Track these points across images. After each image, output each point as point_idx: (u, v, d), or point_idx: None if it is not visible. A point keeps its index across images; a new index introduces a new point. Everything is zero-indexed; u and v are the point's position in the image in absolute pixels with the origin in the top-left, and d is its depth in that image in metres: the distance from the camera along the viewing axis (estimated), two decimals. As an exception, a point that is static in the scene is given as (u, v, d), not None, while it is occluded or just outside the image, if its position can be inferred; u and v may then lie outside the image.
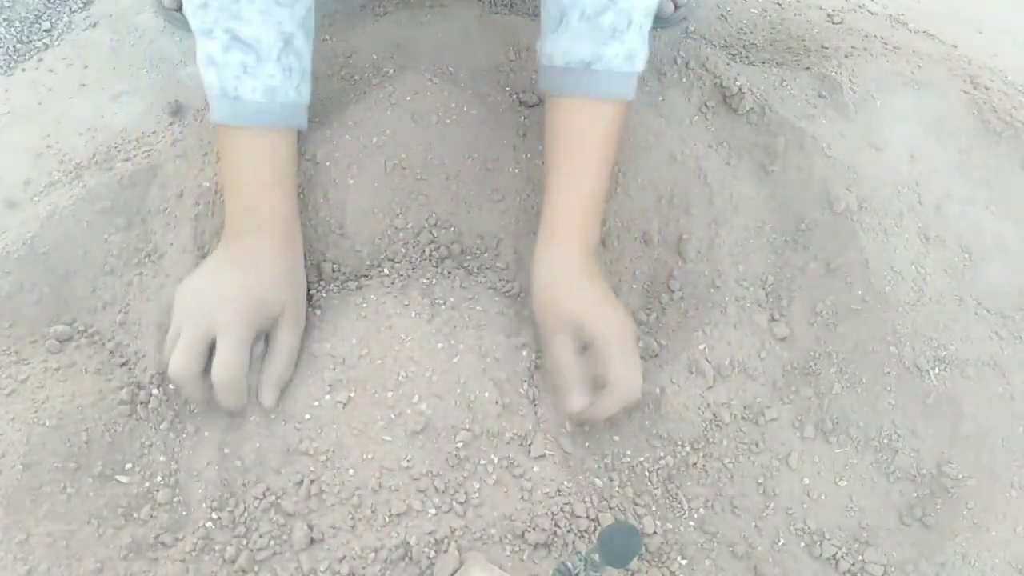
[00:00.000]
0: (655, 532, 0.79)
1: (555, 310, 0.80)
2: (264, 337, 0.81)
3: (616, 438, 0.83)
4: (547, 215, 0.83)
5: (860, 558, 0.79)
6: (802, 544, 0.80)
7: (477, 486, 0.77)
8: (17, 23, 1.15)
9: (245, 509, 0.76)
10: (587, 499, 0.79)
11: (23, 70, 1.11)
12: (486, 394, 0.80)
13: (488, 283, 0.91)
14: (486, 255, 0.92)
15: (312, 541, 0.74)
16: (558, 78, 0.81)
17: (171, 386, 0.83)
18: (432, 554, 0.73)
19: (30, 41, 1.14)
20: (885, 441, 0.84)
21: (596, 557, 0.61)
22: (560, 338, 0.79)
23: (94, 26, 1.16)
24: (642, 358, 0.89)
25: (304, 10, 0.81)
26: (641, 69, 0.81)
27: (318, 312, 0.86)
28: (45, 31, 1.15)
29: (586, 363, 0.80)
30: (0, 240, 0.89)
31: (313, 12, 0.83)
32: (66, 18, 1.17)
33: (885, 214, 0.94)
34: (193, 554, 0.74)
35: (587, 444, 0.83)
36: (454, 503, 0.76)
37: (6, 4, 1.17)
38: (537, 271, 0.82)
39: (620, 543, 0.57)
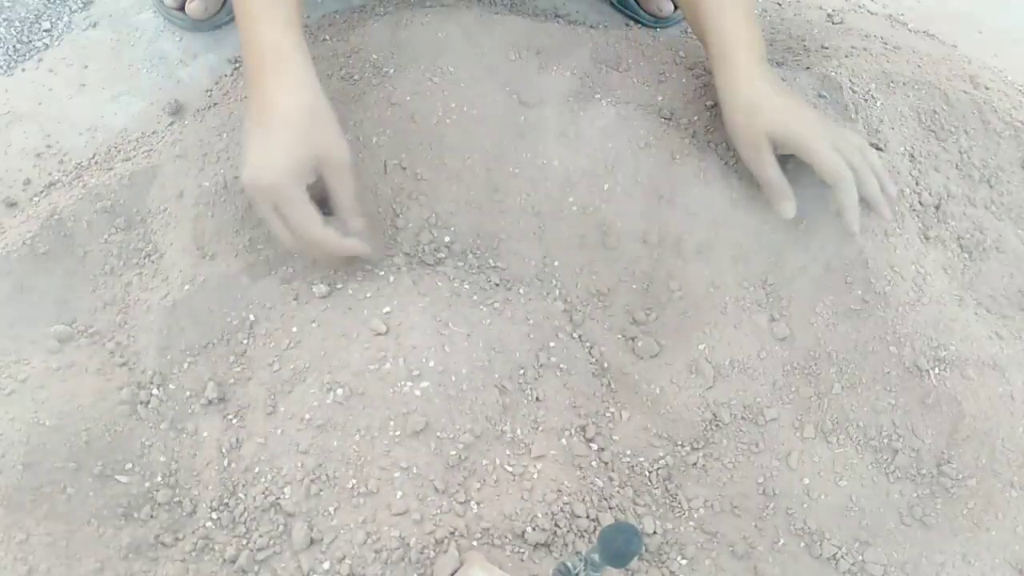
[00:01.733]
0: (655, 532, 0.79)
1: (748, 132, 0.85)
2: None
3: (616, 438, 0.83)
4: (715, 42, 0.88)
5: (860, 558, 0.79)
6: (802, 544, 0.80)
7: (477, 486, 0.77)
8: (17, 23, 1.15)
9: (245, 509, 0.76)
10: (587, 499, 0.79)
11: (23, 70, 1.11)
12: (487, 394, 0.80)
13: (489, 283, 0.90)
14: (486, 255, 0.92)
15: (312, 541, 0.74)
16: None
17: (171, 386, 0.83)
18: (432, 554, 0.73)
19: (30, 41, 1.14)
20: (885, 441, 0.84)
21: (596, 557, 0.61)
22: (760, 156, 0.85)
23: (94, 26, 1.16)
24: (641, 357, 0.90)
25: None
26: None
27: (318, 312, 0.86)
28: (45, 31, 1.15)
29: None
30: (0, 240, 0.89)
31: None
32: (66, 18, 1.17)
33: (885, 214, 0.94)
34: (193, 554, 0.74)
35: (590, 444, 0.83)
36: (454, 503, 0.76)
37: (6, 4, 1.17)
38: (723, 98, 0.88)
39: (620, 543, 0.57)
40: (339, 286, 0.88)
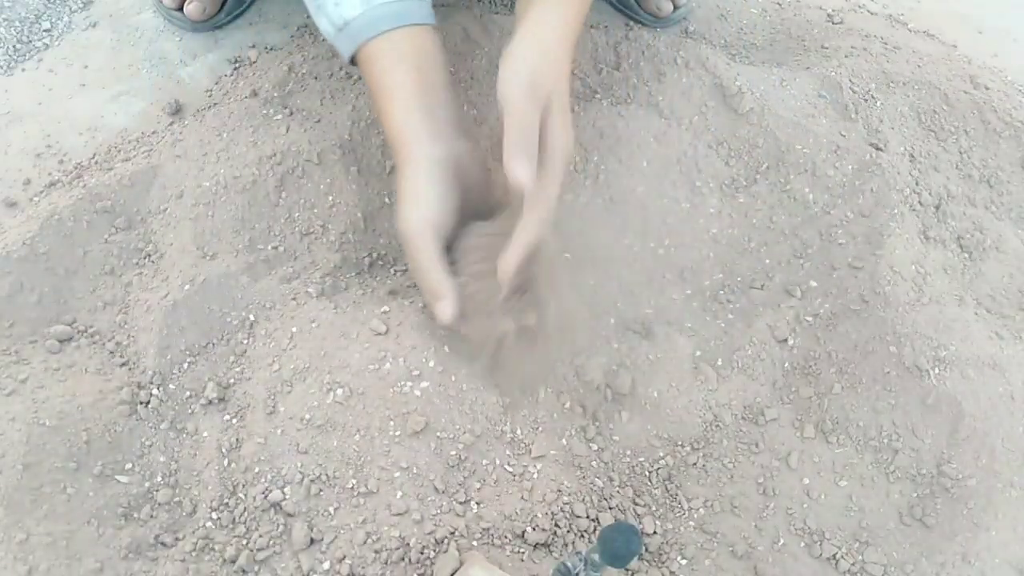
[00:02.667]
0: (655, 532, 0.79)
1: (539, 82, 0.73)
2: None
3: (616, 438, 0.83)
4: (531, 13, 0.78)
5: (860, 558, 0.79)
6: (802, 544, 0.80)
7: (477, 486, 0.77)
8: (17, 23, 1.15)
9: (245, 509, 0.76)
10: (587, 499, 0.79)
11: (23, 70, 1.11)
12: (487, 394, 0.80)
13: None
14: (486, 255, 0.92)
15: (312, 541, 0.74)
16: None
17: (171, 386, 0.83)
18: (432, 554, 0.73)
19: (30, 41, 1.14)
20: (885, 441, 0.84)
21: (596, 557, 0.61)
22: (534, 110, 0.73)
23: (94, 26, 1.16)
24: (642, 358, 0.90)
25: None
26: None
27: (318, 312, 0.86)
28: (45, 31, 1.15)
29: None
30: (0, 240, 0.89)
31: None
32: (66, 18, 1.17)
33: (885, 214, 0.94)
34: (193, 554, 0.74)
35: (590, 444, 0.83)
36: (454, 503, 0.76)
37: (6, 4, 1.17)
38: (525, 36, 0.76)
39: (620, 543, 0.57)
40: (339, 286, 0.88)
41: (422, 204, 0.77)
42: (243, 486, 0.77)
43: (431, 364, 0.80)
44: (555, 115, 0.74)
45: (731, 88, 1.00)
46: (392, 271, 0.90)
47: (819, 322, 0.90)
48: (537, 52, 0.75)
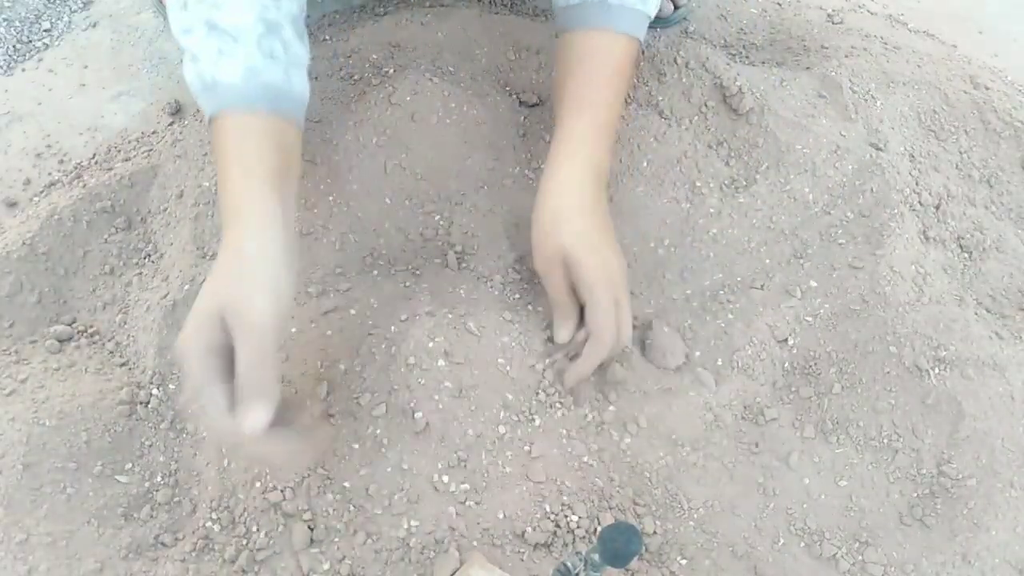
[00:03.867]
0: (655, 532, 0.79)
1: (547, 244, 0.79)
2: None
3: (615, 436, 0.83)
4: (555, 144, 0.81)
5: (860, 558, 0.79)
6: (802, 544, 0.80)
7: (477, 486, 0.77)
8: (17, 23, 1.15)
9: (245, 509, 0.76)
10: (587, 499, 0.79)
11: (23, 70, 1.11)
12: (487, 395, 0.80)
13: (490, 284, 0.90)
14: (487, 256, 0.92)
15: (312, 541, 0.74)
16: (574, 13, 0.82)
17: (171, 386, 0.83)
18: (432, 554, 0.73)
19: (30, 41, 1.14)
20: (885, 441, 0.84)
21: (596, 557, 0.61)
22: (552, 272, 0.80)
23: (94, 26, 1.16)
24: (644, 359, 0.90)
25: (295, 7, 0.76)
26: (653, 14, 0.83)
27: (317, 312, 0.86)
28: (45, 31, 1.15)
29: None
30: (0, 240, 0.89)
31: (303, 16, 0.78)
32: (66, 18, 1.17)
33: (885, 214, 0.94)
34: (193, 554, 0.74)
35: (590, 444, 0.83)
36: (454, 503, 0.76)
37: (6, 4, 1.17)
38: (539, 200, 0.81)
39: (620, 543, 0.57)
40: (340, 286, 0.88)
41: (283, 295, 0.68)
42: (243, 486, 0.77)
43: (431, 365, 0.80)
44: (579, 257, 0.78)
45: (731, 88, 1.00)
46: (392, 271, 0.90)
47: (819, 322, 0.90)
48: (549, 212, 0.80)
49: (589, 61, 0.81)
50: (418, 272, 0.90)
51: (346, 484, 0.76)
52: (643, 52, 1.03)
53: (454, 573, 0.71)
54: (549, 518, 0.77)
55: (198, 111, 1.05)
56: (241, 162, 0.71)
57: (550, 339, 0.84)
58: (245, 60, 0.71)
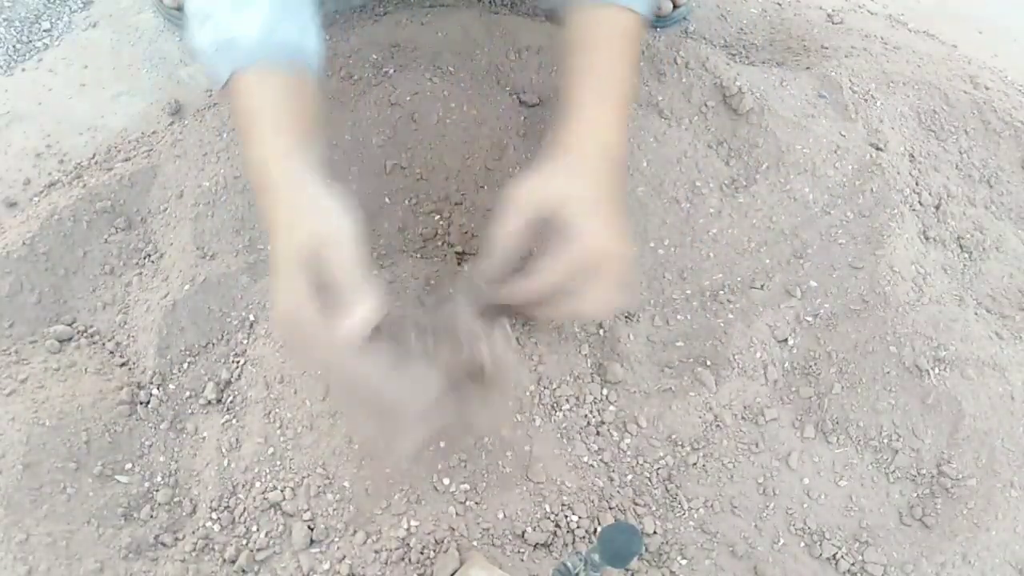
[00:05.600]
0: (655, 532, 0.79)
1: (533, 190, 0.66)
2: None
3: (615, 436, 0.83)
4: (567, 126, 0.71)
5: (860, 558, 0.79)
6: (802, 544, 0.80)
7: (477, 486, 0.77)
8: (17, 23, 1.15)
9: (245, 509, 0.76)
10: (587, 499, 0.79)
11: (23, 70, 1.11)
12: (487, 395, 0.80)
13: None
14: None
15: (312, 541, 0.74)
16: None
17: (171, 386, 0.83)
18: (432, 554, 0.73)
19: (30, 41, 1.14)
20: (885, 441, 0.84)
21: (596, 557, 0.61)
22: (515, 214, 0.65)
23: (94, 26, 1.16)
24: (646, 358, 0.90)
25: None
26: None
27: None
28: (45, 31, 1.15)
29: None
30: (0, 240, 0.89)
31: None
32: (66, 18, 1.17)
33: (885, 214, 0.94)
34: (193, 554, 0.74)
35: (590, 444, 0.83)
36: (454, 503, 0.76)
37: (6, 4, 1.17)
38: (543, 169, 0.68)
39: (620, 543, 0.57)
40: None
41: (351, 217, 0.65)
42: (243, 486, 0.77)
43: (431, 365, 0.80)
44: (575, 218, 0.64)
45: (731, 88, 1.00)
46: (392, 271, 0.90)
47: (819, 322, 0.90)
48: (544, 175, 0.67)
49: (600, 39, 0.76)
50: (416, 271, 0.90)
51: (346, 484, 0.76)
52: (644, 52, 1.03)
53: (454, 573, 0.71)
54: (549, 518, 0.77)
55: (198, 111, 1.05)
56: (270, 120, 0.69)
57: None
58: (261, 14, 0.70)
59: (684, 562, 0.77)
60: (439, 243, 0.92)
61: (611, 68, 0.74)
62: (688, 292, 0.92)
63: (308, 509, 0.75)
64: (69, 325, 0.86)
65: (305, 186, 0.67)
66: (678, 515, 0.80)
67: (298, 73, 0.71)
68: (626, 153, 0.77)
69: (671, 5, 1.19)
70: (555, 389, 0.83)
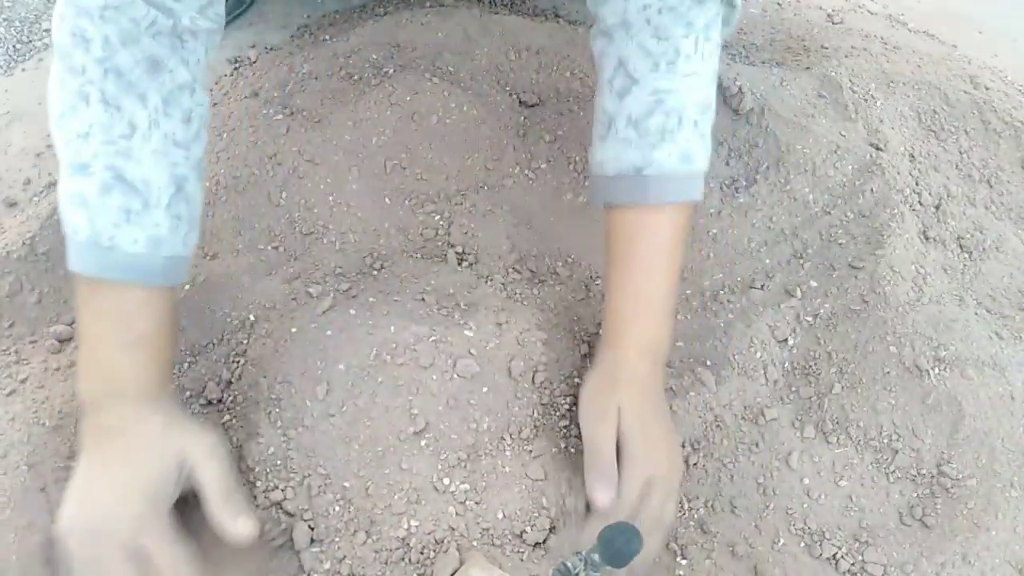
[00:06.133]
0: (655, 532, 0.79)
1: (599, 402, 0.76)
2: None
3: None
4: (604, 327, 0.78)
5: (860, 558, 0.79)
6: (802, 544, 0.80)
7: (477, 486, 0.77)
8: (17, 23, 1.15)
9: (245, 509, 0.76)
10: (587, 499, 0.79)
11: (23, 70, 1.11)
12: (487, 395, 0.80)
13: (490, 283, 0.90)
14: (487, 256, 0.92)
15: (312, 541, 0.74)
16: (611, 187, 0.76)
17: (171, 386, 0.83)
18: (432, 554, 0.73)
19: (30, 41, 1.14)
20: (885, 441, 0.84)
21: (596, 557, 0.61)
22: (604, 427, 0.74)
23: (94, 26, 1.16)
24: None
25: (201, 150, 0.72)
26: (703, 168, 0.76)
27: (318, 313, 0.86)
28: (45, 31, 1.15)
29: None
30: (0, 240, 0.89)
31: (204, 153, 0.73)
32: (66, 18, 1.17)
33: (885, 214, 0.95)
34: (193, 554, 0.74)
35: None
36: (454, 503, 0.76)
37: (6, 4, 1.17)
38: (587, 379, 0.78)
39: (620, 543, 0.58)
40: (340, 286, 0.88)
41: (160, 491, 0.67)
42: (244, 486, 0.77)
43: (432, 365, 0.80)
44: (628, 430, 0.74)
45: (731, 88, 1.00)
46: (392, 271, 0.90)
47: (819, 322, 0.90)
48: (598, 379, 0.78)
49: (635, 241, 0.75)
50: (416, 271, 0.90)
51: (346, 484, 0.76)
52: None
53: (454, 573, 0.71)
54: (549, 518, 0.77)
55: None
56: (126, 333, 0.68)
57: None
58: (152, 229, 0.67)
59: (684, 562, 0.77)
60: (439, 243, 0.92)
61: (644, 273, 0.76)
62: (688, 292, 0.92)
63: (308, 509, 0.75)
64: (69, 325, 0.86)
65: (162, 415, 0.69)
66: (678, 515, 0.80)
67: (172, 284, 0.71)
68: (667, 349, 0.80)
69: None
70: (554, 388, 0.83)
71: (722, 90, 1.00)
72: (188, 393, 0.83)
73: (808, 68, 1.09)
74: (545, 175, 0.94)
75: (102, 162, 0.65)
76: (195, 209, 0.72)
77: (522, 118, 0.99)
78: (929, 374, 0.85)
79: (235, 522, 0.68)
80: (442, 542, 0.74)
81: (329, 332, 0.83)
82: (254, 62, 1.11)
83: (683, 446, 0.84)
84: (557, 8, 1.21)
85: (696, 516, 0.80)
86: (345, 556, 0.73)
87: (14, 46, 1.13)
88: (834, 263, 0.93)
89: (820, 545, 0.79)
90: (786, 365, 0.89)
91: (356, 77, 1.02)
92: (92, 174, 0.65)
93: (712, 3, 0.73)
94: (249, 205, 0.91)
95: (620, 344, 0.77)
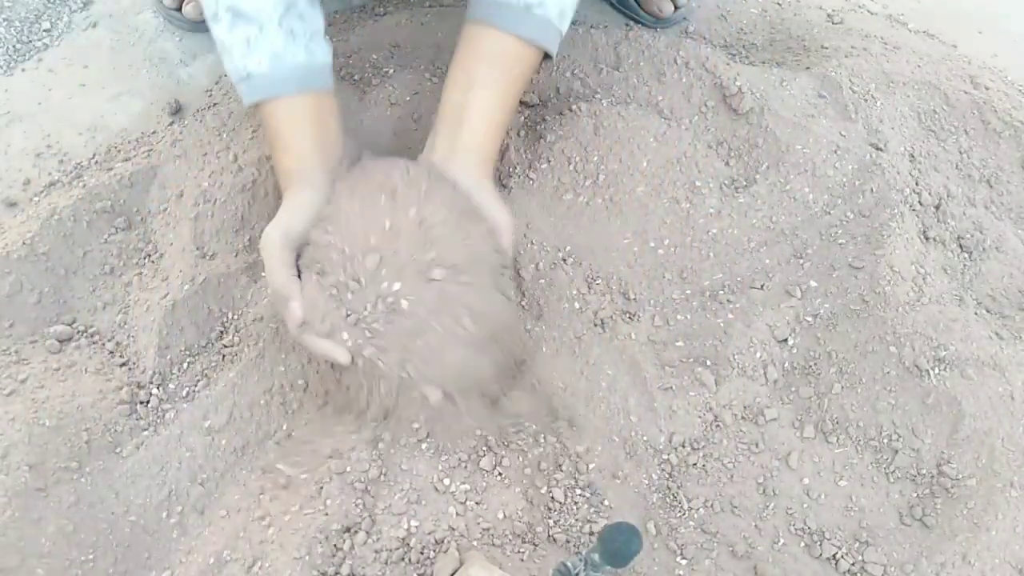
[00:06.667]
0: (655, 532, 0.79)
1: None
2: None
3: (615, 439, 0.83)
4: (461, 132, 0.81)
5: (860, 558, 0.79)
6: (802, 544, 0.80)
7: (477, 486, 0.77)
8: (17, 23, 1.15)
9: (245, 509, 0.76)
10: (587, 499, 0.79)
11: (23, 70, 1.11)
12: (488, 395, 0.80)
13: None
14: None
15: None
16: (495, 9, 0.80)
17: (171, 386, 0.83)
18: (432, 554, 0.73)
19: (30, 41, 1.14)
20: (885, 441, 0.84)
21: (596, 557, 0.61)
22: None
23: (94, 26, 1.16)
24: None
25: None
26: (564, 30, 0.82)
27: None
28: (45, 31, 1.15)
29: None
30: (0, 240, 0.89)
31: None
32: (66, 18, 1.17)
33: (885, 214, 0.94)
34: (193, 554, 0.74)
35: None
36: (454, 503, 0.76)
37: (6, 4, 1.17)
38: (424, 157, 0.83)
39: (620, 543, 0.57)
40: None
41: (278, 222, 0.79)
42: (243, 486, 0.77)
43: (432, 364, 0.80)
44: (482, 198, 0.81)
45: (731, 88, 1.00)
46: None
47: (819, 322, 0.90)
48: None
49: (501, 66, 0.81)
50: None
51: (346, 483, 0.76)
52: (644, 52, 1.03)
53: (454, 573, 0.71)
54: (549, 517, 0.77)
55: (198, 111, 1.05)
56: (283, 142, 0.80)
57: None
58: (271, 47, 0.76)
59: (684, 562, 0.77)
60: (439, 243, 0.92)
61: (503, 99, 0.82)
62: (688, 292, 0.92)
63: (308, 509, 0.75)
64: (69, 325, 0.86)
65: (287, 206, 0.80)
66: (678, 515, 0.80)
67: (309, 91, 0.79)
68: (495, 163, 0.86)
69: (671, 7, 1.19)
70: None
71: (722, 90, 1.00)
72: (187, 390, 0.83)
73: (808, 68, 1.09)
74: (545, 175, 0.94)
75: (223, 5, 0.76)
76: (312, 24, 0.79)
77: (522, 118, 0.99)
78: (929, 374, 0.85)
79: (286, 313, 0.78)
80: (442, 542, 0.74)
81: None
82: (254, 62, 1.11)
83: (683, 446, 0.84)
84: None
85: (696, 516, 0.80)
86: (345, 556, 0.73)
87: (14, 46, 1.13)
88: (834, 263, 0.93)
89: (820, 545, 0.79)
90: (786, 365, 0.89)
91: (356, 77, 1.02)
92: (220, 20, 0.77)
93: None
94: (249, 205, 0.91)
95: (469, 151, 0.81)
